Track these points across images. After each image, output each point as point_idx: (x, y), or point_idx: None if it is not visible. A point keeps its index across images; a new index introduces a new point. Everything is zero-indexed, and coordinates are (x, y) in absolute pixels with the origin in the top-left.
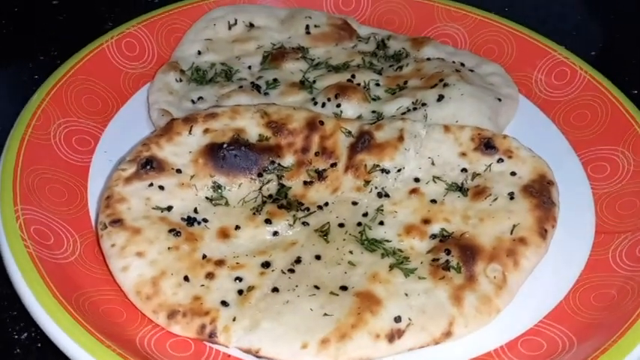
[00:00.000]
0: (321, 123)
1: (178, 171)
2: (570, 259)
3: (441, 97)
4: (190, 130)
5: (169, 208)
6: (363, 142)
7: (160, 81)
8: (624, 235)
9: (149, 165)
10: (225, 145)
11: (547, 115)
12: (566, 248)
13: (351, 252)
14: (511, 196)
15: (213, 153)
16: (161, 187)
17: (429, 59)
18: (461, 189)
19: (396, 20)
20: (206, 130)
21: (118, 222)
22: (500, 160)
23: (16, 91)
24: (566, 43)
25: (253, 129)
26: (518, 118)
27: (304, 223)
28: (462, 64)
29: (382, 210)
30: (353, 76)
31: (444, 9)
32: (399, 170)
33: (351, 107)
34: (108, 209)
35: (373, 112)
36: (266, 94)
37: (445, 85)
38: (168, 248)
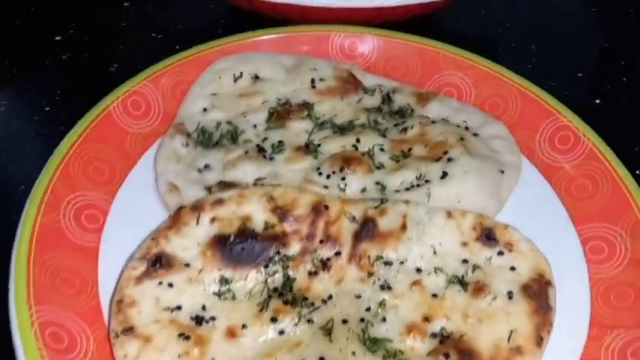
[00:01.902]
0: (326, 207)
1: (187, 265)
2: (564, 354)
3: (444, 175)
4: (198, 220)
5: (179, 308)
6: (366, 230)
7: (166, 148)
8: (617, 332)
9: (158, 262)
10: (232, 239)
11: (549, 181)
12: (560, 339)
13: (353, 353)
14: (510, 295)
15: (221, 245)
16: (170, 285)
17: (433, 122)
18: (461, 282)
19: (402, 67)
20: (213, 219)
21: (129, 330)
22: (500, 253)
23: (23, 149)
24: (570, 88)
25: (260, 215)
26: (520, 184)
27: (309, 321)
28: (467, 128)
29: (384, 304)
30: (358, 141)
31: (449, 57)
32: (401, 262)
33: (355, 179)
34: (119, 314)
35: (377, 183)
36: (271, 158)
37: (449, 159)
38: (179, 355)
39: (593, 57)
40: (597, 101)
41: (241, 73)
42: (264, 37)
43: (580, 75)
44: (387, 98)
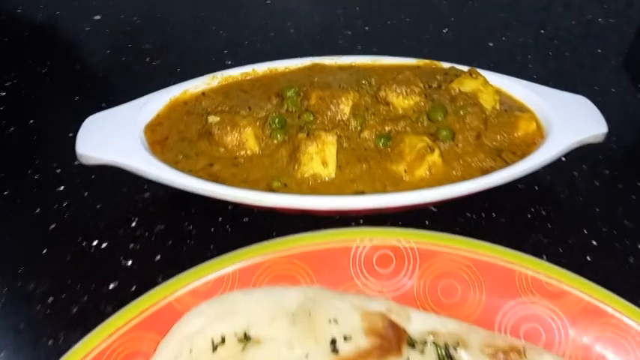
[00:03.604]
0: None
1: None
2: None
3: None
4: None
5: None
6: None
7: None
8: None
9: None
10: None
11: None
12: None
13: None
14: None
15: None
16: None
17: None
18: None
19: (459, 286)
20: None
21: None
22: None
23: None
24: None
25: None
26: None
27: None
28: None
29: None
30: None
31: (531, 278)
32: None
33: None
34: None
35: None
36: None
37: None
38: None
39: None
40: None
41: (223, 338)
42: (254, 261)
43: None
44: (447, 357)
